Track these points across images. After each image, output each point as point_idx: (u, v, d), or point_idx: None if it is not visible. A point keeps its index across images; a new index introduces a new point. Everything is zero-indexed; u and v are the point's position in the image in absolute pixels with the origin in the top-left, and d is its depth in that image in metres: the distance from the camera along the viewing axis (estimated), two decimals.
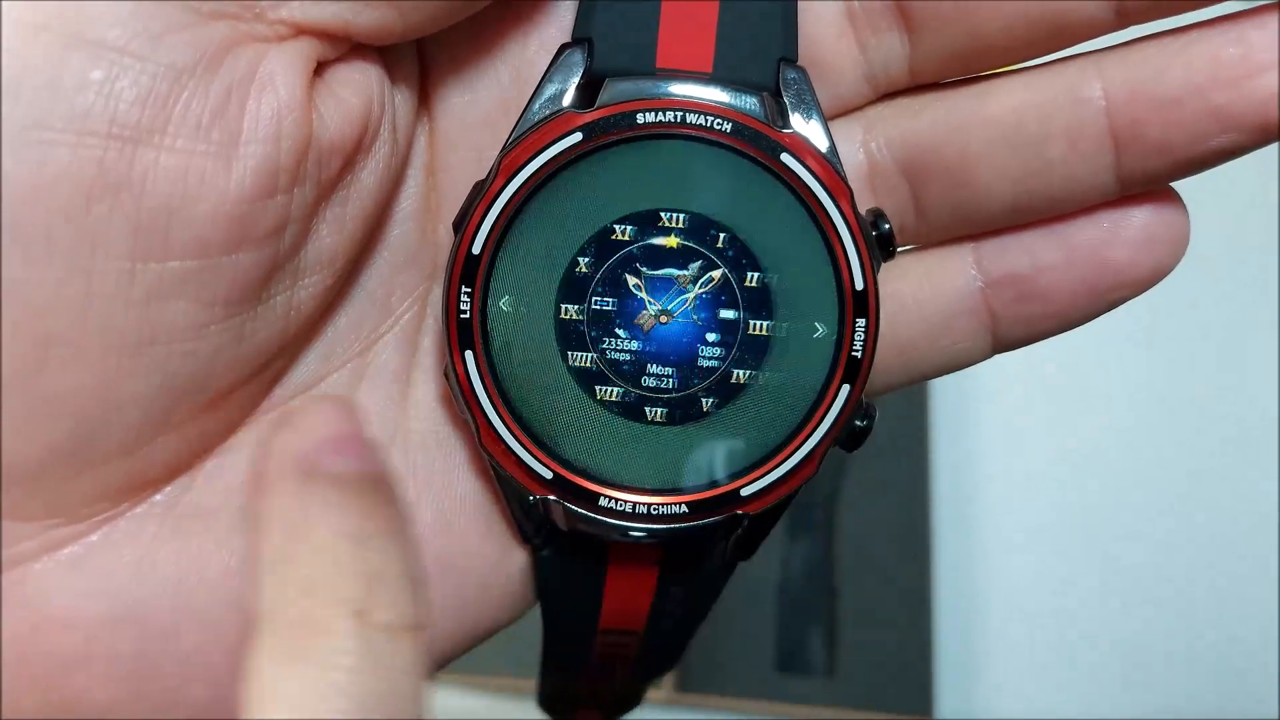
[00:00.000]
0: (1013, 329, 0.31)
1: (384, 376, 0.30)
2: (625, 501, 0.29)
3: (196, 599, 0.27)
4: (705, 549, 0.30)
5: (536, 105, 0.28)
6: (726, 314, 0.29)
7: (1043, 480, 0.80)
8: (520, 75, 0.29)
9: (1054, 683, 0.78)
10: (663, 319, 0.29)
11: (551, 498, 0.29)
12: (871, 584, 0.75)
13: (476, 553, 0.30)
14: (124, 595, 0.26)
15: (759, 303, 0.29)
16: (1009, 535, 0.79)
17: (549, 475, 0.29)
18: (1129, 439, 0.80)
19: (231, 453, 0.28)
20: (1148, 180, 0.28)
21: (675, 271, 0.28)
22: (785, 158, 0.27)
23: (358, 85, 0.26)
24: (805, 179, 0.28)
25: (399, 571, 0.23)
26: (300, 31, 0.25)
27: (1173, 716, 0.77)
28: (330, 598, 0.22)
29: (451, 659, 0.31)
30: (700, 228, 0.28)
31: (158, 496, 0.27)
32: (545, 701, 0.39)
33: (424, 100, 0.29)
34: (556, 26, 0.29)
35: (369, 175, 0.27)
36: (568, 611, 0.32)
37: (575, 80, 0.28)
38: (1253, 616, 0.78)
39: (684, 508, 0.29)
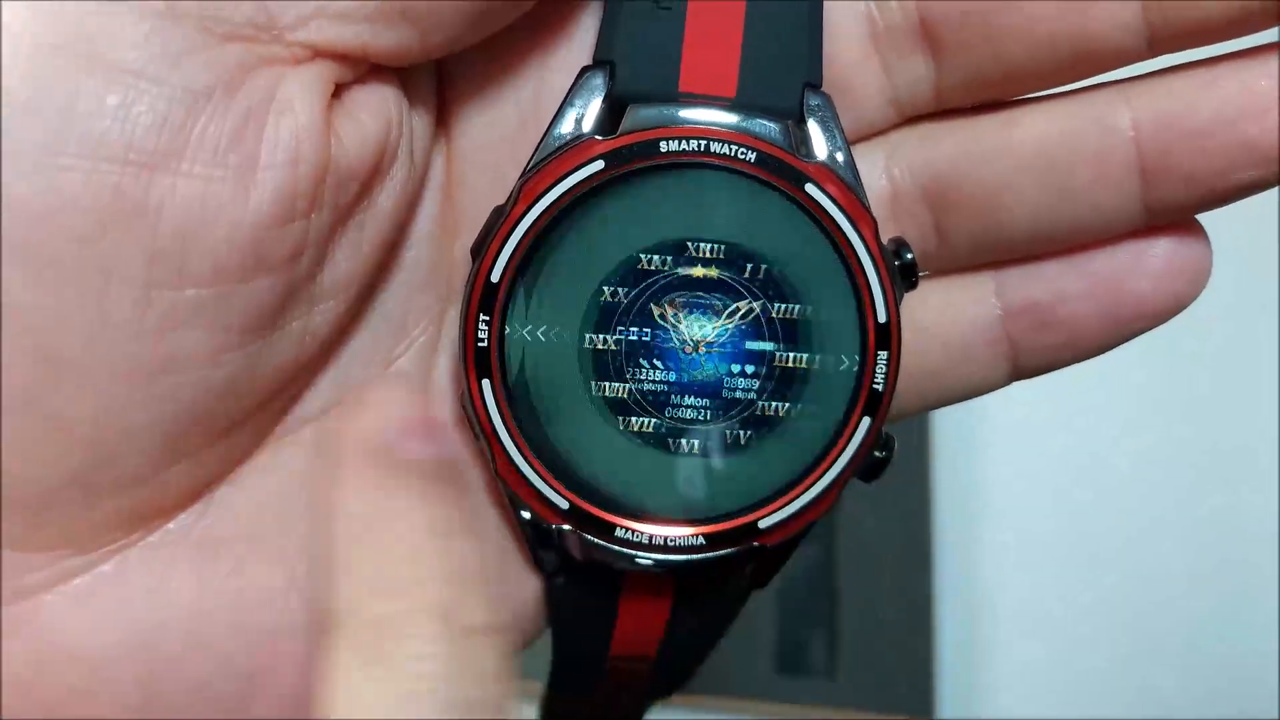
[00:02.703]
0: (1032, 358, 0.31)
1: None
2: (641, 533, 0.28)
3: (207, 629, 0.26)
4: (721, 579, 0.30)
5: (557, 130, 0.27)
6: (754, 346, 0.28)
7: (1044, 481, 0.79)
8: (540, 95, 0.29)
9: (1054, 683, 0.78)
10: (691, 350, 0.28)
11: (567, 527, 0.28)
12: (873, 585, 0.74)
13: (490, 579, 0.29)
14: (134, 627, 0.26)
15: (785, 335, 0.28)
16: (1010, 536, 0.79)
17: (565, 505, 0.28)
18: (1130, 441, 0.79)
19: (245, 479, 0.27)
20: (1174, 212, 0.28)
21: (703, 302, 0.28)
22: (809, 188, 0.27)
23: (376, 108, 0.26)
24: (829, 209, 0.27)
25: (479, 569, 0.22)
26: (318, 54, 0.24)
27: (1173, 716, 0.77)
28: (413, 599, 0.21)
29: None
30: (727, 258, 0.28)
31: (170, 525, 0.26)
32: (547, 717, 0.39)
33: (442, 120, 0.29)
34: (577, 46, 0.29)
35: (386, 199, 0.27)
36: (579, 638, 0.32)
37: (596, 103, 0.27)
38: (1253, 617, 0.78)
39: (701, 539, 0.29)
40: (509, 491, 0.28)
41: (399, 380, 0.24)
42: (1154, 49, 0.27)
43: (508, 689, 0.21)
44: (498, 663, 0.21)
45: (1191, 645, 0.79)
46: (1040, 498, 0.80)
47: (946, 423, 0.78)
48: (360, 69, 0.25)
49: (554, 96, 0.28)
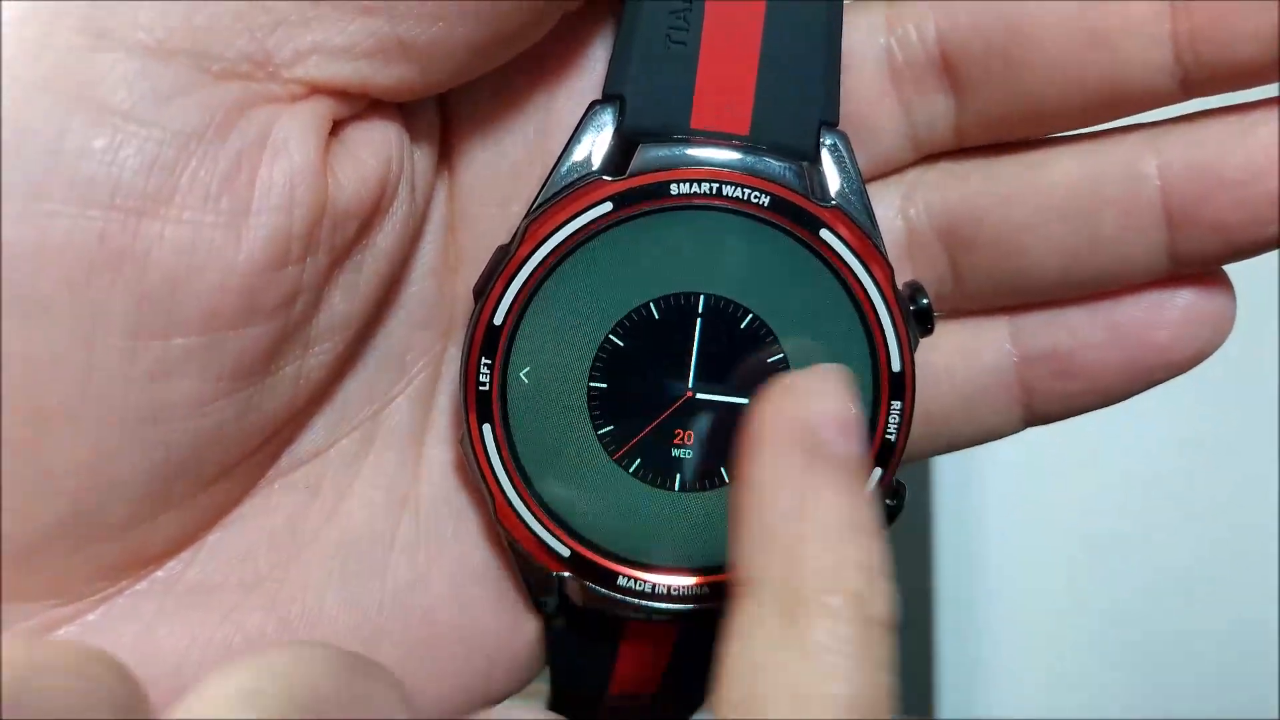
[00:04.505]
0: (1048, 404, 0.30)
1: (397, 439, 0.29)
2: (645, 581, 0.28)
3: (196, 679, 0.26)
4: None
5: (564, 168, 0.26)
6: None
7: (1044, 481, 0.79)
8: (547, 128, 0.28)
9: (1054, 684, 0.78)
10: (698, 396, 0.27)
11: (568, 574, 0.28)
12: None
13: (488, 624, 0.29)
14: None
15: None
16: (1010, 536, 0.79)
17: (566, 553, 0.28)
18: (1132, 438, 0.79)
19: (235, 524, 0.27)
20: (1201, 261, 0.27)
21: (712, 349, 0.27)
22: (824, 234, 0.26)
23: (376, 145, 0.25)
24: (844, 256, 0.26)
25: (885, 566, 0.22)
26: (315, 90, 0.23)
27: (1173, 717, 0.77)
28: (833, 581, 0.21)
29: None
30: (735, 303, 0.27)
31: (159, 573, 0.26)
32: None
33: (444, 153, 0.28)
34: (585, 79, 0.28)
35: (385, 238, 0.26)
36: (579, 679, 0.31)
37: (605, 139, 0.26)
38: (1253, 617, 0.78)
39: (705, 588, 0.28)
40: (508, 537, 0.28)
41: (830, 370, 0.24)
42: (1186, 92, 0.26)
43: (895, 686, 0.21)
44: (891, 659, 0.21)
45: (1191, 645, 0.79)
46: (1041, 498, 0.80)
47: None
48: (359, 105, 0.25)
49: (561, 131, 0.27)
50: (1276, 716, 0.76)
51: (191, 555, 0.26)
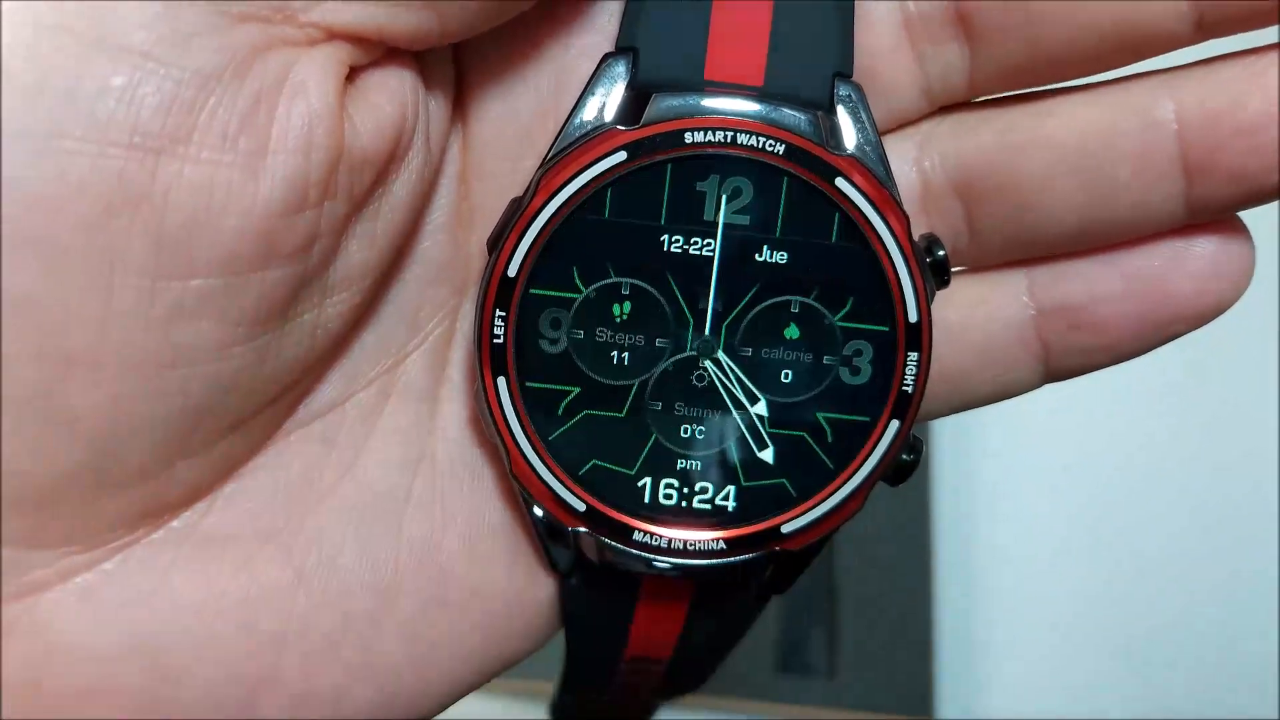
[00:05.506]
0: (1065, 359, 0.29)
1: (412, 395, 0.29)
2: (660, 536, 0.28)
3: (211, 628, 0.25)
4: (741, 583, 0.29)
5: (578, 119, 0.26)
6: (780, 342, 0.27)
7: (1044, 480, 0.79)
8: (560, 82, 0.28)
9: (1054, 683, 0.78)
10: (715, 347, 0.27)
11: (583, 529, 0.28)
12: (872, 584, 0.74)
13: (502, 581, 0.29)
14: (137, 626, 0.25)
15: (811, 333, 0.27)
16: (1010, 536, 0.78)
17: (582, 507, 0.27)
18: (1132, 437, 0.79)
19: (252, 474, 0.27)
20: (1219, 209, 0.27)
21: (728, 297, 0.27)
22: (840, 182, 0.26)
23: (392, 92, 0.25)
24: (860, 204, 0.26)
25: None
26: (333, 35, 0.23)
27: (1173, 716, 0.77)
28: None
29: (473, 688, 0.29)
30: (752, 252, 0.27)
31: (175, 522, 0.26)
32: (557, 714, 0.38)
33: (458, 106, 0.28)
34: (599, 32, 0.27)
35: (401, 187, 0.26)
36: (594, 640, 0.31)
37: (619, 92, 0.26)
38: (1253, 617, 0.78)
39: (721, 543, 0.28)
40: (523, 491, 0.28)
41: None
42: (1202, 33, 0.26)
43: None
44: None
45: (1191, 645, 0.79)
46: (1040, 498, 0.79)
47: (946, 421, 0.78)
48: (376, 52, 0.24)
49: (575, 84, 0.27)
50: (1276, 717, 0.76)
51: (208, 505, 0.26)
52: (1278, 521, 0.77)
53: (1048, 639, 0.78)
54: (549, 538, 0.28)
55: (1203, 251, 0.28)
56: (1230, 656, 0.78)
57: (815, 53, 0.26)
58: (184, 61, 0.21)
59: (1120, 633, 0.79)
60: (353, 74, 0.24)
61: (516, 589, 0.29)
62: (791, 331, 0.27)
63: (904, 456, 0.28)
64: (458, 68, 0.27)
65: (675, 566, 0.28)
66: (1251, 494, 0.78)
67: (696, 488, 0.28)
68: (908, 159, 0.29)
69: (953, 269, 0.29)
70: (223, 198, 0.22)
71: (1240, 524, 0.78)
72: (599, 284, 0.27)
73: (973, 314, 0.29)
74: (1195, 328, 0.28)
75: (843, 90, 0.27)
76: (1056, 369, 0.30)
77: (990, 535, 0.78)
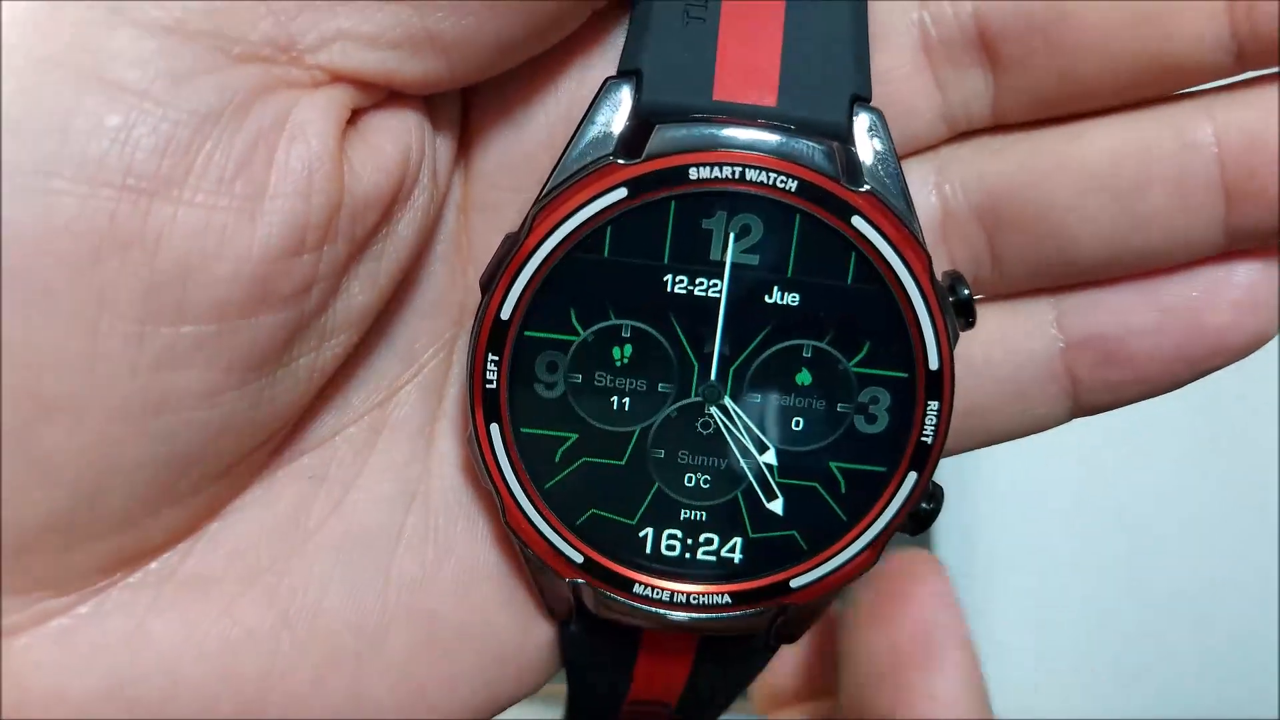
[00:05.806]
0: (1095, 394, 0.28)
1: (406, 430, 0.27)
2: (662, 589, 0.26)
3: (190, 673, 0.25)
4: (747, 635, 0.28)
5: (576, 150, 0.25)
6: (786, 391, 0.26)
7: (1044, 481, 0.78)
8: (568, 113, 0.26)
9: (1055, 683, 0.78)
10: (720, 394, 0.26)
11: (581, 581, 0.26)
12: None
13: (497, 624, 0.28)
14: (113, 671, 0.24)
15: (824, 379, 0.26)
16: (1009, 537, 0.78)
17: (580, 558, 0.26)
18: (1131, 440, 0.78)
19: (236, 514, 0.26)
20: (1260, 236, 0.26)
21: (735, 343, 0.25)
22: (856, 221, 0.24)
23: (396, 133, 0.24)
24: (878, 244, 0.24)
25: None
26: (338, 78, 0.22)
27: (1173, 716, 0.76)
28: None
29: None
30: (762, 294, 0.25)
31: (153, 564, 0.25)
32: None
33: (462, 137, 0.27)
34: (609, 62, 0.26)
35: (406, 226, 0.25)
36: (596, 685, 0.30)
37: (621, 119, 0.25)
38: (1253, 617, 0.78)
39: (727, 597, 0.26)
40: (519, 541, 0.26)
41: None
42: (1242, 64, 0.24)
43: None
44: None
45: (1191, 645, 0.78)
46: (1041, 498, 0.79)
47: None
48: (380, 95, 0.23)
49: (581, 114, 0.25)
50: (1276, 717, 0.76)
51: (189, 546, 0.25)
52: (1278, 524, 0.76)
53: (1048, 639, 0.78)
54: (546, 588, 0.27)
55: (1243, 280, 0.26)
56: (1230, 656, 0.78)
57: (831, 69, 0.25)
58: (181, 102, 0.21)
59: (1120, 633, 0.79)
60: (355, 116, 0.23)
61: (512, 633, 0.28)
62: (804, 377, 0.25)
63: (923, 505, 0.26)
64: (464, 100, 0.26)
65: (678, 621, 0.26)
66: (1253, 496, 0.78)
67: (701, 539, 0.26)
68: (927, 183, 0.27)
69: (975, 297, 0.28)
70: (217, 242, 0.21)
71: (1240, 524, 0.78)
72: (598, 326, 0.25)
73: (996, 348, 0.28)
74: (1233, 362, 0.27)
75: (861, 117, 0.25)
76: (1085, 404, 0.28)
77: (990, 537, 0.78)
